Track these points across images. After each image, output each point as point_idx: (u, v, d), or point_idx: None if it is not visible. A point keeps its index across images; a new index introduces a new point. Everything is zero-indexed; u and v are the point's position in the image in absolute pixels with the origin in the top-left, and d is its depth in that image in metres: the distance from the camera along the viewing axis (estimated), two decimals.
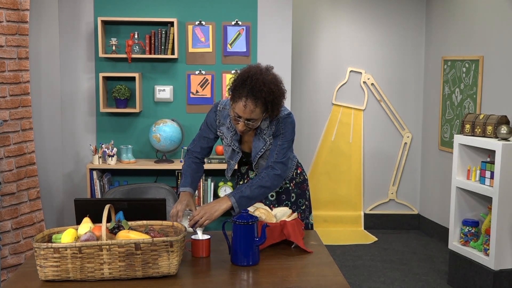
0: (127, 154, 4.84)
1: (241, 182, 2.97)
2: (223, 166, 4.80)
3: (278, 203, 2.89)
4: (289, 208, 2.87)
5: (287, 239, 2.49)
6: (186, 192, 2.69)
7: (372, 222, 5.95)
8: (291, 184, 2.91)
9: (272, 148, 2.70)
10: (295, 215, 2.59)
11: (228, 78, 4.97)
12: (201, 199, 4.82)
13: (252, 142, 2.76)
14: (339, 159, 5.91)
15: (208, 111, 2.83)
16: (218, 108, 2.78)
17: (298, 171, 2.96)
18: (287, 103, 5.02)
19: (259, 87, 2.49)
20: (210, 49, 4.96)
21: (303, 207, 2.94)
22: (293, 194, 2.91)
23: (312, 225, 3.01)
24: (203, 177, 4.83)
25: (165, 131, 4.70)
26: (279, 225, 2.48)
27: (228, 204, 2.54)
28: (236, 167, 2.92)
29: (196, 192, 4.82)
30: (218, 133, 2.80)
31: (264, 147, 2.72)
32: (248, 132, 2.65)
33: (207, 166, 4.82)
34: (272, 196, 2.88)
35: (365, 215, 5.96)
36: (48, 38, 4.76)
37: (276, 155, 2.67)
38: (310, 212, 3.01)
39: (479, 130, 4.05)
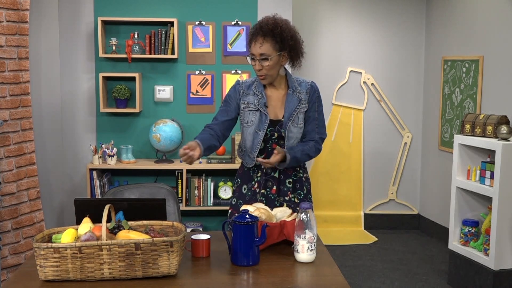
0: (127, 154, 4.84)
1: (245, 186, 2.94)
2: (223, 166, 4.80)
3: (293, 191, 2.91)
4: (302, 200, 2.91)
5: (287, 239, 2.49)
6: (194, 141, 2.68)
7: (372, 222, 5.95)
8: (303, 176, 2.95)
9: (311, 121, 2.86)
10: (295, 215, 2.59)
11: (228, 78, 4.98)
12: (201, 199, 4.82)
13: (278, 107, 2.83)
14: (339, 159, 5.91)
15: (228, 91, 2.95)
16: (239, 82, 2.90)
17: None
18: None
19: (265, 23, 2.76)
20: (210, 49, 4.97)
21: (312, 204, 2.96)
22: (304, 187, 2.94)
23: None
24: (203, 177, 4.83)
25: (165, 131, 4.70)
26: (279, 225, 2.48)
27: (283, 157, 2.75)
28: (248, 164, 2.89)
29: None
30: (241, 105, 2.84)
31: (298, 106, 2.82)
32: (265, 75, 2.75)
33: (207, 166, 4.82)
34: (289, 182, 2.90)
35: (365, 215, 5.96)
36: (48, 38, 4.76)
37: (317, 128, 2.86)
38: None
39: (479, 130, 4.05)
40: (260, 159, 2.75)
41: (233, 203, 2.96)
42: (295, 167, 2.91)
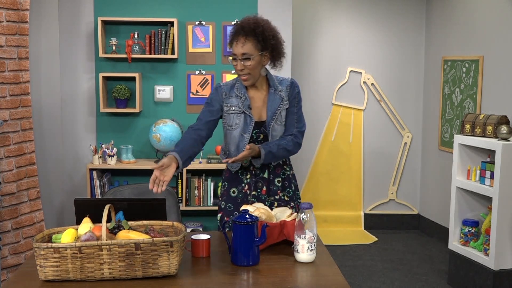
0: (127, 154, 4.84)
1: (233, 190, 2.92)
2: (223, 166, 4.78)
3: (283, 189, 2.90)
4: (291, 197, 2.91)
5: (287, 239, 2.49)
6: (170, 155, 2.58)
7: (372, 222, 5.95)
8: (290, 173, 2.95)
9: (290, 116, 2.84)
10: (295, 215, 2.59)
11: (228, 78, 4.97)
12: (201, 199, 4.82)
13: (261, 108, 2.81)
14: (339, 159, 5.91)
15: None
16: (220, 85, 2.86)
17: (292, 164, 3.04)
18: None
19: (247, 23, 2.73)
20: (210, 49, 4.97)
21: (300, 201, 2.98)
22: (292, 184, 2.94)
23: None
24: (203, 177, 4.83)
25: (165, 131, 4.70)
26: (279, 225, 2.48)
27: (257, 152, 2.72)
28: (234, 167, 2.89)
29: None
30: (225, 107, 2.81)
31: (281, 105, 2.80)
32: (248, 76, 2.73)
33: (207, 166, 4.82)
34: (278, 182, 2.89)
35: (365, 215, 5.96)
36: (48, 38, 4.76)
37: (296, 123, 2.84)
38: None
39: (479, 130, 4.05)
40: (225, 160, 2.73)
41: (222, 206, 2.94)
42: (282, 165, 2.90)
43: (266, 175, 2.87)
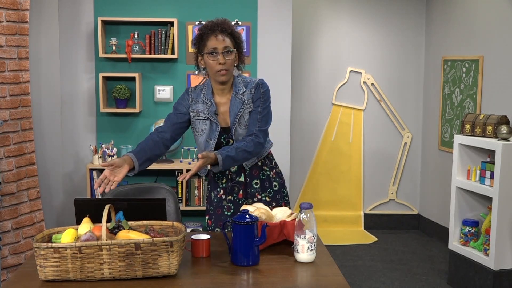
0: None
1: (215, 192, 2.91)
2: None
3: (262, 190, 2.87)
4: (273, 197, 2.88)
5: (287, 239, 2.49)
6: (125, 156, 2.58)
7: (372, 222, 5.95)
8: (272, 172, 2.91)
9: (253, 115, 2.77)
10: (295, 215, 2.59)
11: None
12: (201, 199, 4.83)
13: (227, 113, 2.78)
14: (339, 159, 5.91)
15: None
16: (189, 90, 2.85)
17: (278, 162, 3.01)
18: (287, 104, 5.02)
19: (220, 22, 2.73)
20: None
21: (287, 198, 2.96)
22: (275, 183, 2.90)
23: None
24: (203, 177, 4.83)
25: None
26: (279, 225, 2.47)
27: (213, 160, 2.59)
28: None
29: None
30: (191, 113, 2.79)
31: (242, 108, 2.75)
32: (227, 71, 2.70)
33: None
34: (256, 184, 2.86)
35: (365, 215, 5.96)
36: (48, 38, 4.76)
37: (259, 123, 2.76)
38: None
39: (479, 130, 4.05)
40: (180, 177, 2.51)
41: (206, 208, 2.95)
42: (260, 166, 2.87)
43: (242, 179, 2.85)
